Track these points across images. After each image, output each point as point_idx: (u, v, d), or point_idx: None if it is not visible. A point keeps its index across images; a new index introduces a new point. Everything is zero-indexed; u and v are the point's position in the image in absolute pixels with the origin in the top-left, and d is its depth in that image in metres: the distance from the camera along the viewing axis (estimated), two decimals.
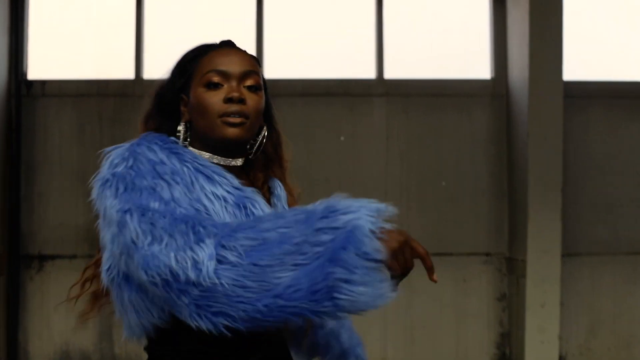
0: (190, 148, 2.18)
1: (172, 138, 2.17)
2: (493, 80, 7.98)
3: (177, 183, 1.99)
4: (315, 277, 1.75)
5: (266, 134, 2.28)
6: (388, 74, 7.97)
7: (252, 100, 2.14)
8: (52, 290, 7.73)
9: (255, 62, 2.23)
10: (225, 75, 2.14)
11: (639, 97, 7.97)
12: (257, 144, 2.27)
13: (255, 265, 1.76)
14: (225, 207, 2.04)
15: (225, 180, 2.08)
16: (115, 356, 7.72)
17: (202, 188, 2.04)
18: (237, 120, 2.11)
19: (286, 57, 7.97)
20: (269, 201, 2.25)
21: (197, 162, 2.09)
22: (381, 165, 7.78)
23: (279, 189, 2.34)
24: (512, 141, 7.75)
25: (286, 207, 2.30)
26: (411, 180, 7.78)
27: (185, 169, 2.06)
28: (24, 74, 7.90)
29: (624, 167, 7.87)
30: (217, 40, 2.27)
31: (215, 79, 2.14)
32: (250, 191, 2.12)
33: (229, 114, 2.11)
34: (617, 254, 7.85)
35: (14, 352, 7.67)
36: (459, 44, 8.12)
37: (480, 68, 8.06)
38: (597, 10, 8.02)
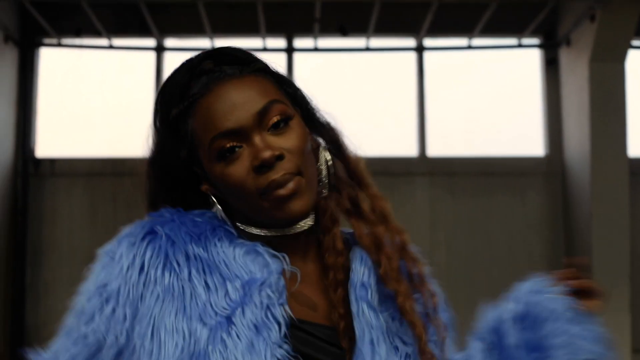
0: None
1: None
2: (547, 156, 7.69)
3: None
4: None
5: (328, 155, 1.52)
6: (431, 152, 7.74)
7: (290, 143, 1.41)
8: None
9: (268, 79, 1.48)
10: (238, 133, 1.41)
11: None
12: (324, 174, 1.49)
13: None
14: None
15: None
16: None
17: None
18: (289, 189, 1.38)
19: None
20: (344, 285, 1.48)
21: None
22: (424, 252, 7.19)
23: (359, 262, 1.55)
24: (571, 224, 7.34)
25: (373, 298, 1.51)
26: (459, 270, 7.49)
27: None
28: (32, 151, 7.93)
29: None
30: (195, 56, 1.51)
31: (228, 144, 1.37)
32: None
33: (273, 189, 1.37)
34: None
35: None
36: (508, 117, 7.81)
37: (532, 144, 7.73)
38: None
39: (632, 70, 7.10)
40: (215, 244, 1.39)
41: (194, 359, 1.28)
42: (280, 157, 1.35)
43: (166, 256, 1.35)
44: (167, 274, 1.35)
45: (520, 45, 7.73)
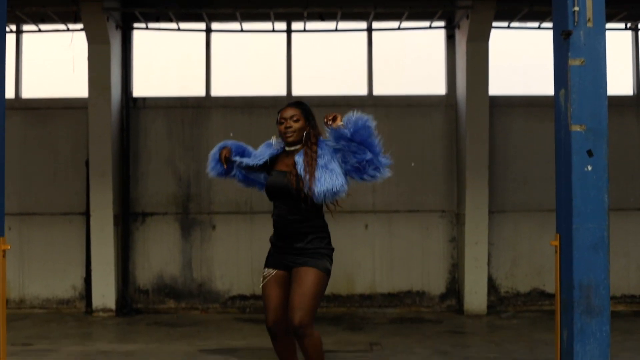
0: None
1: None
2: (446, 95, 11.66)
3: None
4: None
5: (306, 135, 5.67)
6: (376, 91, 11.66)
7: (294, 126, 5.60)
8: (151, 236, 11.50)
9: (298, 109, 5.70)
10: (285, 119, 5.66)
11: (547, 105, 11.39)
12: (303, 140, 5.66)
13: None
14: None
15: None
16: (193, 279, 11.50)
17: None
18: (288, 134, 5.68)
19: (305, 80, 11.66)
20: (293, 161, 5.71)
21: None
22: None
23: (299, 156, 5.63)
24: (458, 136, 11.43)
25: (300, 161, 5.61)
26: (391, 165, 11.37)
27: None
28: (132, 93, 11.61)
29: (535, 154, 11.50)
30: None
31: (282, 120, 5.72)
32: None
33: (284, 133, 5.71)
34: (531, 211, 11.50)
35: (126, 277, 11.44)
36: (425, 71, 11.75)
37: (438, 86, 11.72)
38: (514, 39, 11.62)
39: (492, 43, 11.10)
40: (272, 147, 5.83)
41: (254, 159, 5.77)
42: (288, 127, 5.66)
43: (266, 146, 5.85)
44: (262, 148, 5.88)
45: (431, 27, 11.47)
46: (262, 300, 5.67)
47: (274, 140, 5.77)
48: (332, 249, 5.64)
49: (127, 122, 11.51)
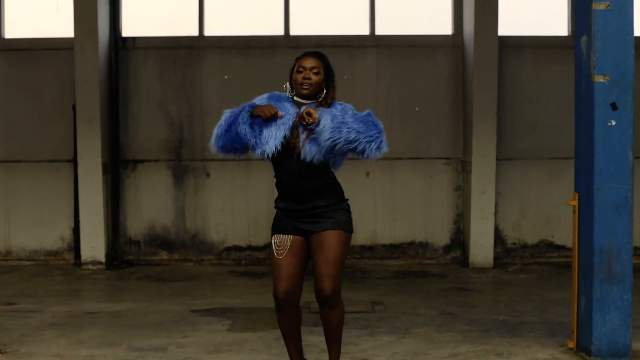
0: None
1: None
2: (452, 35, 11.03)
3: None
4: None
5: (324, 95, 5.01)
6: (378, 31, 11.01)
7: (313, 78, 5.00)
8: (142, 184, 11.01)
9: (321, 62, 5.01)
10: (304, 68, 5.06)
11: (560, 47, 10.98)
12: (318, 98, 5.05)
13: None
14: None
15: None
16: (186, 229, 11.02)
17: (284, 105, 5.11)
18: (305, 86, 5.09)
19: (304, 16, 11.05)
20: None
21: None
22: (373, 96, 10.87)
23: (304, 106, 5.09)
24: (465, 79, 10.85)
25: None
26: (394, 106, 10.86)
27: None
28: (120, 33, 10.98)
29: (546, 98, 10.97)
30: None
31: (300, 69, 5.11)
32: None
33: (300, 84, 5.11)
34: (540, 158, 10.99)
35: (117, 228, 10.97)
36: (430, 8, 11.12)
37: (444, 26, 11.08)
38: None
39: None
40: (284, 100, 5.14)
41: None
42: (307, 78, 5.05)
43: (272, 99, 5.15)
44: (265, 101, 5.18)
45: None
46: (272, 268, 5.14)
47: (287, 88, 5.16)
48: (347, 201, 5.21)
49: (116, 64, 10.93)
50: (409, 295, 8.84)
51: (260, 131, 5.00)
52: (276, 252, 5.09)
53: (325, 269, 4.97)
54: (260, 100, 5.16)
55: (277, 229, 5.16)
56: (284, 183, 5.11)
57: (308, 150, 4.94)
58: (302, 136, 4.95)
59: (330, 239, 5.01)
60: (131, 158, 11.03)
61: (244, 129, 4.97)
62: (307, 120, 4.90)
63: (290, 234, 5.10)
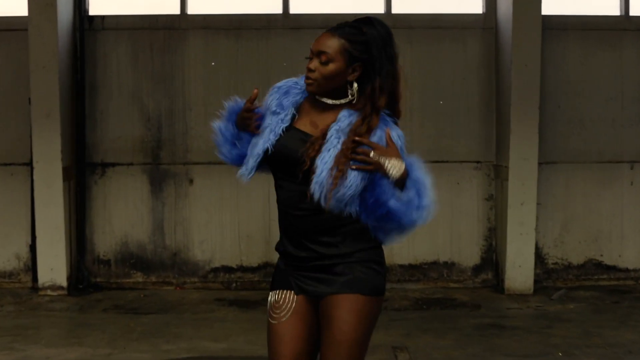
0: None
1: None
2: (484, 14, 9.33)
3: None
4: None
5: (355, 86, 3.21)
6: (395, 9, 9.35)
7: (321, 69, 3.19)
8: (113, 192, 9.29)
9: (337, 41, 3.18)
10: (311, 52, 3.26)
11: (610, 28, 9.28)
12: (356, 98, 3.24)
13: None
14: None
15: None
16: (166, 246, 9.29)
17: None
18: (309, 82, 3.25)
19: None
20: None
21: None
22: None
23: (344, 119, 3.21)
24: (499, 67, 9.13)
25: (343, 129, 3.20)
26: (414, 100, 9.11)
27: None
28: (86, 10, 9.30)
29: (594, 90, 9.26)
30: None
31: (311, 55, 3.25)
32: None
33: (306, 76, 3.28)
34: (587, 162, 9.29)
35: (82, 245, 9.24)
36: None
37: (474, 3, 9.40)
38: None
39: None
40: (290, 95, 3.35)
41: None
42: (311, 70, 3.21)
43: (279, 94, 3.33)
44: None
45: None
46: (268, 340, 3.35)
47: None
48: (380, 247, 3.31)
49: (81, 47, 9.23)
50: (438, 336, 7.15)
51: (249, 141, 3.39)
52: (272, 315, 3.32)
53: (332, 356, 3.17)
54: (271, 96, 3.41)
55: (275, 282, 3.40)
56: (281, 213, 3.37)
57: (319, 185, 3.16)
58: (333, 172, 3.15)
59: (342, 308, 3.19)
60: (99, 161, 9.33)
61: (226, 150, 3.50)
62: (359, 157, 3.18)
63: (294, 291, 3.32)
